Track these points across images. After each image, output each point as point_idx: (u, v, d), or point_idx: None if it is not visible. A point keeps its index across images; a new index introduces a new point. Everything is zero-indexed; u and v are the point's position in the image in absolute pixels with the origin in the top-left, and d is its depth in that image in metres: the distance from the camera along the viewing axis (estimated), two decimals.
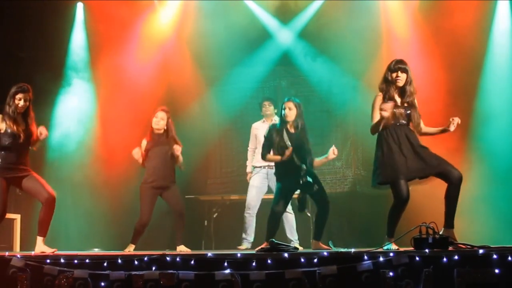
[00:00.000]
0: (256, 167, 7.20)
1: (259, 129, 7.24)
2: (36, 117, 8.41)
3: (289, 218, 6.98)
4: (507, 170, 7.45)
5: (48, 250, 5.37)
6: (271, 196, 7.09)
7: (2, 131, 5.50)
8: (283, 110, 6.06)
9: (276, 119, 7.17)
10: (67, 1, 8.52)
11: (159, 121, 6.43)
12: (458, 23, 7.68)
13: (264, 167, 7.10)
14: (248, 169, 7.29)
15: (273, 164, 6.76)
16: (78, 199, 7.96)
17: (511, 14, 8.11)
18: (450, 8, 7.86)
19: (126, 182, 7.90)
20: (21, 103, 5.57)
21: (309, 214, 7.84)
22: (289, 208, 6.87)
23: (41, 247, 5.46)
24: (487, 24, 8.04)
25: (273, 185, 6.94)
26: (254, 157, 7.27)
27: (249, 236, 7.01)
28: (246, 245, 6.92)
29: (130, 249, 6.29)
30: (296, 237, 6.98)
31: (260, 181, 7.12)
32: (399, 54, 8.34)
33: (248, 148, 7.43)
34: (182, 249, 6.24)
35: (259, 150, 7.03)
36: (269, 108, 7.31)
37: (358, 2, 8.33)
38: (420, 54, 8.10)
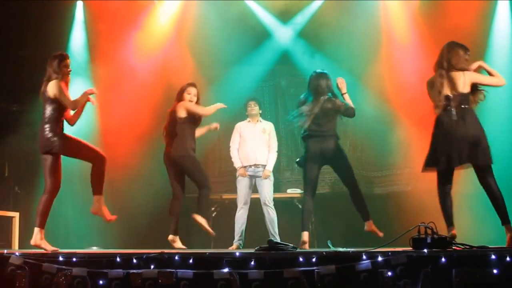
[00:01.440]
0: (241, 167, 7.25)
1: (244, 129, 7.34)
2: (35, 114, 8.41)
3: (271, 215, 7.11)
4: (507, 170, 7.45)
5: (50, 248, 5.38)
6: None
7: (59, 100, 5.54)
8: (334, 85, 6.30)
9: (261, 120, 7.33)
10: (67, 0, 8.51)
11: (193, 97, 6.54)
12: (458, 24, 7.66)
13: (250, 166, 7.18)
14: (238, 164, 7.29)
15: (259, 162, 7.07)
16: (77, 197, 7.95)
17: (511, 16, 8.11)
18: (450, 9, 7.85)
19: (125, 180, 7.90)
20: (67, 70, 5.67)
21: None
22: (272, 206, 7.11)
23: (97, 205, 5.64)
24: (487, 25, 8.04)
25: (259, 183, 7.15)
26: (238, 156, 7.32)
27: (242, 235, 7.05)
28: (239, 245, 6.97)
29: (176, 243, 6.38)
30: (277, 231, 7.07)
31: (247, 178, 7.19)
32: (399, 54, 8.38)
33: (231, 147, 7.40)
34: (197, 218, 6.35)
35: (243, 149, 7.25)
36: (254, 108, 7.35)
37: (358, 2, 8.34)
38: (420, 54, 8.11)
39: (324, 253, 4.26)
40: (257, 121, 7.35)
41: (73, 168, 7.93)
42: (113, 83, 8.35)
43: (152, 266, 4.32)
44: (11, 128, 7.84)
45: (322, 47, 8.53)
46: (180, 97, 6.53)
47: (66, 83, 5.71)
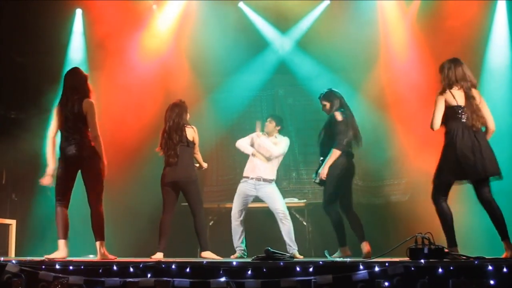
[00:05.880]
0: (244, 177, 7.07)
1: (260, 139, 7.13)
2: (33, 122, 8.40)
3: (287, 225, 6.93)
4: (505, 178, 7.43)
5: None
6: (262, 205, 7.10)
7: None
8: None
9: (277, 136, 7.15)
10: (66, 1, 8.52)
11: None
12: (456, 33, 7.69)
13: (252, 178, 6.98)
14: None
15: (261, 175, 6.88)
16: (74, 204, 7.94)
17: (508, 19, 8.11)
18: (448, 18, 7.89)
19: (123, 188, 7.89)
20: None
21: (305, 223, 7.85)
22: (288, 215, 6.91)
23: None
24: (485, 30, 8.06)
25: (263, 194, 6.94)
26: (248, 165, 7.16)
27: (242, 243, 6.95)
28: (240, 254, 6.89)
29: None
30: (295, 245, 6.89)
31: (246, 189, 7.00)
32: (397, 64, 8.40)
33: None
34: (207, 255, 6.21)
35: (251, 163, 7.05)
36: (269, 125, 7.20)
37: (356, 12, 8.36)
38: (418, 64, 8.14)
39: (321, 262, 4.26)
40: (275, 137, 7.13)
41: None
42: (111, 90, 8.35)
43: (149, 275, 4.32)
44: (9, 135, 7.84)
45: (320, 57, 8.55)
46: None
47: None
